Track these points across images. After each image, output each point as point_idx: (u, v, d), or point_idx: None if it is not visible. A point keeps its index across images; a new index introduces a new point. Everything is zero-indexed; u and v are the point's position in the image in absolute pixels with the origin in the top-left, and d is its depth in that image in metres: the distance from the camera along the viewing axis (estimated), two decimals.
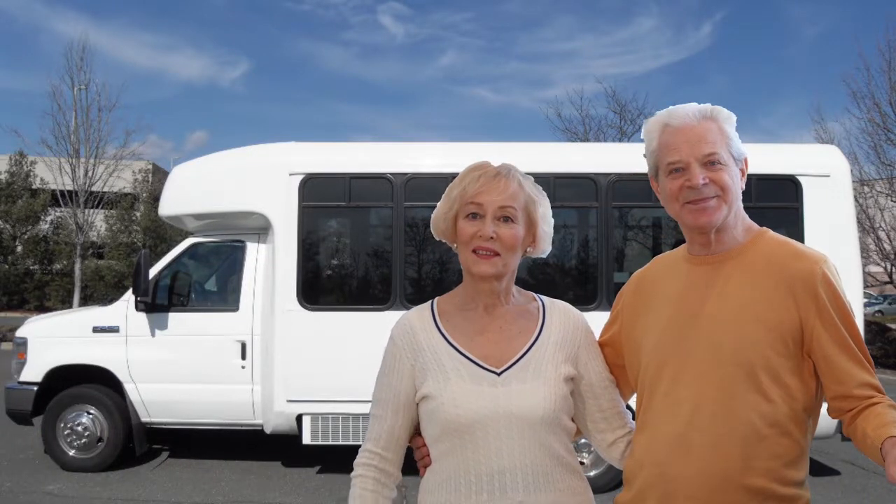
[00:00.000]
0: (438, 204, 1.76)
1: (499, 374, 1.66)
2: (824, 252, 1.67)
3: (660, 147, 1.70)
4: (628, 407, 1.84)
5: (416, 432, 1.76)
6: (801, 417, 1.60)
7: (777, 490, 1.56)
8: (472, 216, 1.69)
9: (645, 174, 1.82)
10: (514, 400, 1.63)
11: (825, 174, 6.48)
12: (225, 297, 7.29)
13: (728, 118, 1.69)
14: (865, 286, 13.66)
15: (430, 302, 1.81)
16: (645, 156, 1.77)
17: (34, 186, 29.09)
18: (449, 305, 1.77)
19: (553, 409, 1.64)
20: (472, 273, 1.70)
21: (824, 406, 1.65)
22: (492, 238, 1.66)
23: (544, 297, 1.82)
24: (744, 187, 1.70)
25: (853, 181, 7.73)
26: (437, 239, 1.79)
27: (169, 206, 7.09)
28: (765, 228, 1.75)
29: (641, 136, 1.78)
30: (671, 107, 1.72)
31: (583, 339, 1.77)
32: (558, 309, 1.79)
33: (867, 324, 13.74)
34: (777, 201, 6.44)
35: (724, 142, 1.66)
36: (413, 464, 1.77)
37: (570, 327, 1.76)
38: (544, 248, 1.77)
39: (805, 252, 1.66)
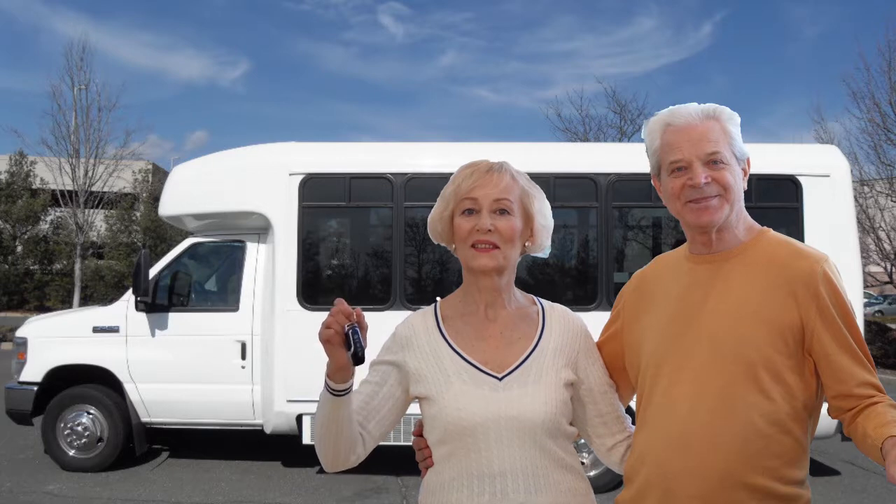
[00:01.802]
0: (434, 207, 1.76)
1: (500, 379, 1.66)
2: (825, 252, 1.67)
3: (662, 146, 1.70)
4: (628, 409, 1.84)
5: (419, 433, 1.77)
6: (801, 416, 1.60)
7: (778, 489, 1.56)
8: (467, 212, 1.69)
9: (645, 174, 1.82)
10: (515, 404, 1.63)
11: (825, 174, 6.48)
12: (225, 297, 7.30)
13: (731, 118, 1.69)
14: (865, 286, 13.66)
15: (432, 305, 1.81)
16: (648, 155, 1.77)
17: (34, 186, 29.06)
18: (451, 310, 1.77)
19: (553, 414, 1.64)
20: (473, 268, 1.70)
21: (825, 406, 1.65)
22: (490, 231, 1.66)
23: (544, 301, 1.82)
24: (745, 187, 1.70)
25: (853, 181, 7.73)
26: (436, 242, 1.79)
27: (169, 206, 7.09)
28: (766, 228, 1.75)
29: (642, 136, 1.78)
30: (673, 106, 1.72)
31: (582, 343, 1.77)
32: (558, 313, 1.79)
33: (867, 324, 13.75)
34: (777, 201, 6.44)
35: (727, 141, 1.66)
36: (415, 464, 1.78)
37: (570, 332, 1.76)
38: (542, 243, 1.77)
39: (806, 251, 1.66)
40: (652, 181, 1.80)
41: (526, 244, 1.75)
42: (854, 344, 1.58)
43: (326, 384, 1.58)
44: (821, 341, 1.57)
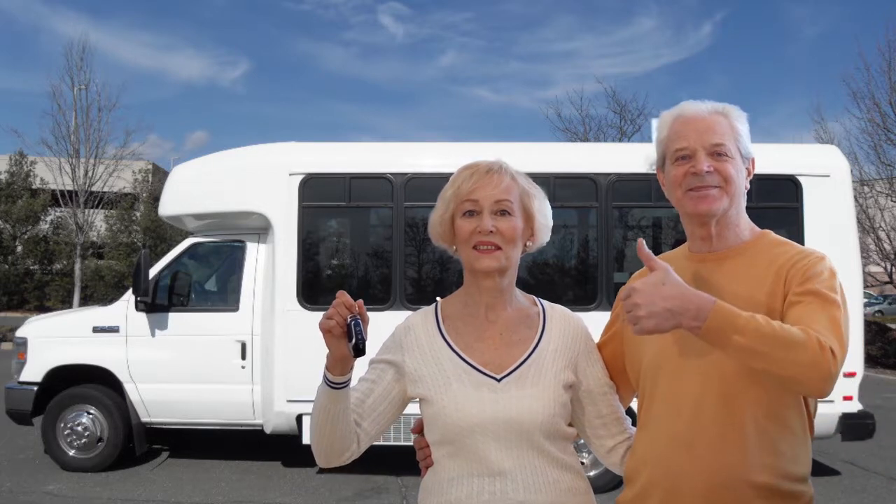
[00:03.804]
0: (434, 209, 1.76)
1: (498, 381, 1.66)
2: (824, 253, 1.67)
3: (669, 135, 1.72)
4: (629, 411, 1.84)
5: (420, 432, 1.77)
6: (801, 413, 1.61)
7: (782, 486, 1.56)
8: (468, 214, 1.69)
9: (645, 174, 1.83)
10: (514, 406, 1.63)
11: (825, 174, 6.48)
12: (225, 297, 7.31)
13: (740, 116, 1.71)
14: (865, 286, 13.65)
15: (433, 305, 1.81)
16: (655, 146, 1.78)
17: (34, 186, 29.09)
18: (452, 310, 1.77)
19: (551, 416, 1.64)
20: (475, 269, 1.70)
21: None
22: (491, 232, 1.66)
23: (544, 302, 1.82)
24: (748, 186, 1.71)
25: (853, 181, 7.73)
26: (436, 244, 1.79)
27: (169, 206, 7.09)
28: (767, 230, 1.76)
29: (653, 130, 1.79)
30: (686, 101, 1.74)
31: (582, 345, 1.77)
32: (558, 315, 1.79)
33: (867, 324, 13.72)
34: (777, 201, 6.43)
35: (733, 136, 1.68)
36: (415, 464, 1.78)
37: (570, 334, 1.76)
38: (543, 242, 1.77)
39: (806, 252, 1.66)
40: (656, 173, 1.80)
41: (527, 244, 1.76)
42: (837, 325, 1.49)
43: (325, 377, 1.59)
44: (799, 301, 1.52)
